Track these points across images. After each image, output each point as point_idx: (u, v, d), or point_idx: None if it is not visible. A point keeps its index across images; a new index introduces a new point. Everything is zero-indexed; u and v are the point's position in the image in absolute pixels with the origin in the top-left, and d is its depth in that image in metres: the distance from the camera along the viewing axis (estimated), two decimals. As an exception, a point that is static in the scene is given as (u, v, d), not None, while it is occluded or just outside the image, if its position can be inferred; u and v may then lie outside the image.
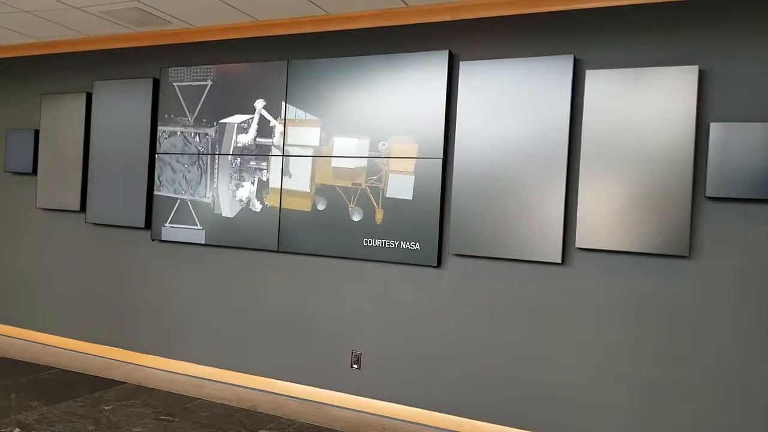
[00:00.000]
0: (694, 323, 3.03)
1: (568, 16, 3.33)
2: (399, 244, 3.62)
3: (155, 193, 4.39)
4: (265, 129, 4.05)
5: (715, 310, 2.99)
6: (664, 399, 3.07)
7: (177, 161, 4.31)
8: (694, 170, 2.99)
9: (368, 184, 3.72)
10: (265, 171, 4.04)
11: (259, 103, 4.06)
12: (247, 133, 4.11)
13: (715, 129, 2.93)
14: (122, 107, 4.56)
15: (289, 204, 3.96)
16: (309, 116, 3.91)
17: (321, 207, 3.85)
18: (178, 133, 4.32)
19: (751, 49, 2.95)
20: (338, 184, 3.81)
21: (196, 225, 4.22)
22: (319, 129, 3.88)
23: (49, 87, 5.04)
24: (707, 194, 2.94)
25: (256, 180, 4.07)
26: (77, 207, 4.76)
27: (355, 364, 3.81)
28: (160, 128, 4.39)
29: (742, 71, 2.96)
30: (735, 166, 2.88)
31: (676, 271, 3.06)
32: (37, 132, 5.01)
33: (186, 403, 3.78)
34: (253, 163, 4.09)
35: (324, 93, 3.86)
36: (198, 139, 4.27)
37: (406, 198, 3.61)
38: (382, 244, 3.67)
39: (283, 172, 3.98)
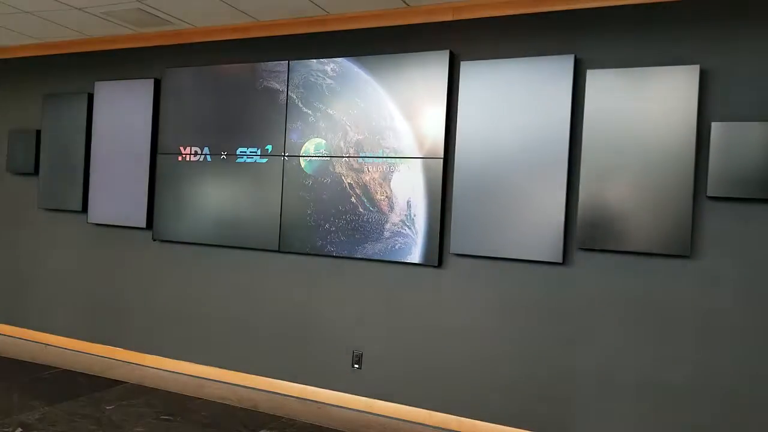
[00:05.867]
0: (696, 323, 3.02)
1: (568, 15, 3.33)
2: (400, 244, 3.62)
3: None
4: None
5: (716, 310, 2.98)
6: (665, 399, 3.07)
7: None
8: (695, 170, 2.99)
9: (369, 183, 3.73)
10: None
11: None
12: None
13: (717, 128, 2.92)
14: (124, 108, 4.57)
15: (289, 205, 3.96)
16: (311, 114, 3.92)
17: (320, 208, 3.86)
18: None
19: (753, 48, 2.95)
20: (338, 185, 3.81)
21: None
22: (320, 128, 3.89)
23: (51, 88, 5.04)
24: (708, 194, 2.93)
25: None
26: (79, 207, 4.77)
27: (356, 364, 3.81)
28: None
29: (744, 71, 2.96)
30: (736, 166, 2.87)
31: (677, 271, 3.06)
32: (38, 133, 5.01)
33: (187, 402, 3.78)
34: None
35: (324, 93, 3.87)
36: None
37: (408, 197, 3.61)
38: (383, 243, 3.67)
39: (284, 172, 3.99)
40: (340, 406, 3.83)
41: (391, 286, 3.72)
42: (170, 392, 3.97)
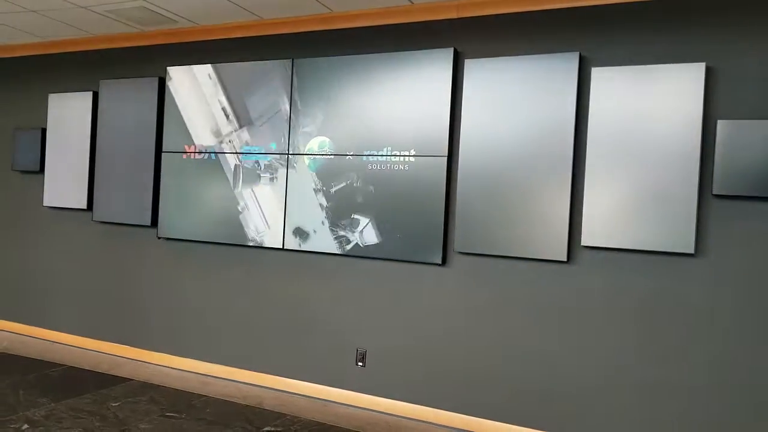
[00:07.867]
0: (701, 322, 3.01)
1: (573, 13, 3.32)
2: (404, 243, 3.63)
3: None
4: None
5: (722, 308, 2.98)
6: (670, 397, 3.06)
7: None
8: (701, 168, 2.98)
9: (373, 182, 3.73)
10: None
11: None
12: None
13: (722, 126, 2.91)
14: (128, 106, 4.58)
15: (293, 203, 3.97)
16: (314, 114, 3.92)
17: (327, 204, 3.86)
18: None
19: (759, 46, 2.93)
20: (342, 183, 3.82)
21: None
22: (323, 127, 3.89)
23: (56, 86, 5.06)
24: (714, 192, 2.92)
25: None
26: (84, 205, 4.79)
27: (360, 361, 3.81)
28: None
29: (750, 68, 2.94)
30: (742, 164, 2.86)
31: (682, 269, 3.05)
32: (44, 131, 5.03)
33: (192, 400, 3.80)
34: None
35: (329, 91, 3.86)
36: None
37: (409, 196, 3.61)
38: (386, 242, 3.67)
39: (288, 170, 3.99)
40: (345, 404, 3.84)
41: (395, 284, 3.73)
42: (176, 389, 3.99)
